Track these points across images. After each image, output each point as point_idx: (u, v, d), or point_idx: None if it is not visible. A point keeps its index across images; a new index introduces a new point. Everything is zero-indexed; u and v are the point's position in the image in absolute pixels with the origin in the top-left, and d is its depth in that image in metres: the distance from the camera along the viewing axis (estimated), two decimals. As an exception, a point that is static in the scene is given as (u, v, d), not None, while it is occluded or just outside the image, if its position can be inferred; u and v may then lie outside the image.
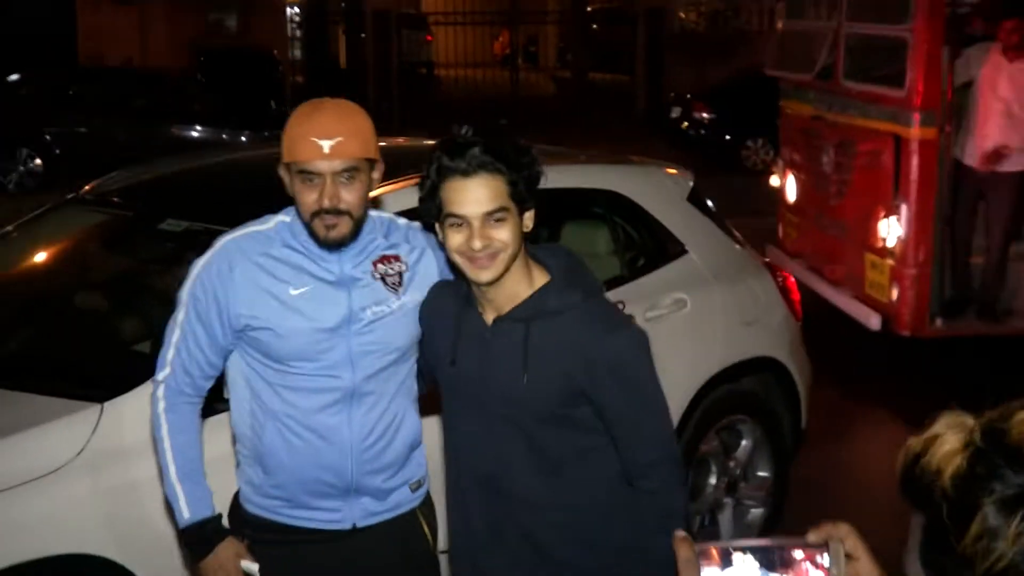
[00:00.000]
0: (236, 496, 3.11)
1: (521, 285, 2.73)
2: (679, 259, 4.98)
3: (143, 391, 3.36)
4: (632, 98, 24.32)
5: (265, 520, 3.04)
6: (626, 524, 2.78)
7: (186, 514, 2.95)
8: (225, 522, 3.04)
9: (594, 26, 29.58)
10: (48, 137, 15.08)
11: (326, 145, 2.76)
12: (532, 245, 2.80)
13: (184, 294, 2.96)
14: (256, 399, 2.98)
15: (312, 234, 2.86)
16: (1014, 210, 7.70)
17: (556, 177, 4.57)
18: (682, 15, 27.18)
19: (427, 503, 3.17)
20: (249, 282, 2.89)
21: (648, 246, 5.00)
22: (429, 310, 2.97)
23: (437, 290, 2.96)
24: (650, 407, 2.76)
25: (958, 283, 7.74)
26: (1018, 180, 7.64)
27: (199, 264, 2.96)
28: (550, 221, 4.88)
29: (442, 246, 2.74)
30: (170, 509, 3.02)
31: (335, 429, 2.95)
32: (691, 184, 5.25)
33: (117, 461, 3.49)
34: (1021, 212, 7.80)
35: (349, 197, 2.81)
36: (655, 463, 2.74)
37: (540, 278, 2.75)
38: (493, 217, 2.63)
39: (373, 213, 3.00)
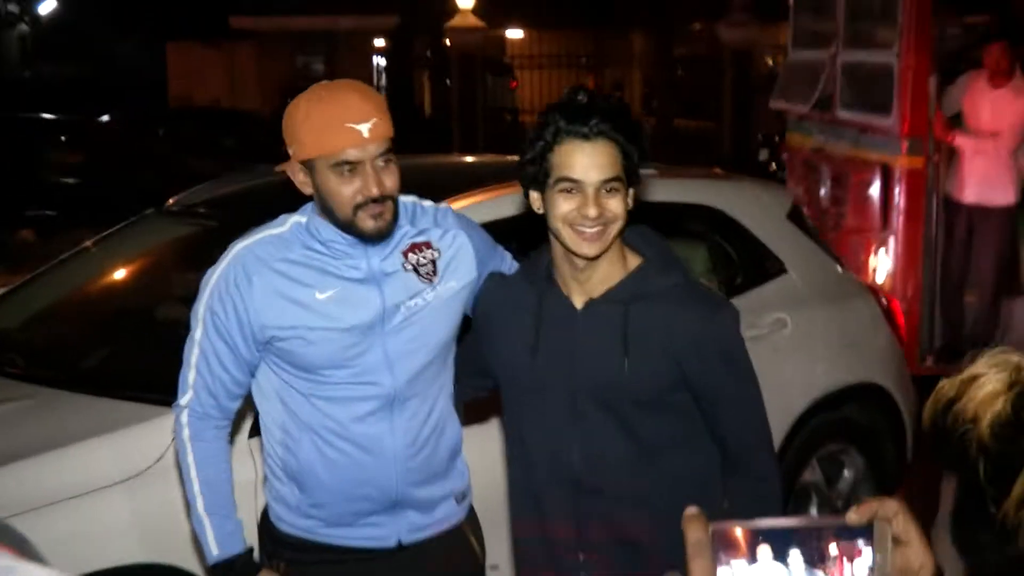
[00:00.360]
0: (265, 513, 2.89)
1: (616, 266, 2.60)
2: (778, 278, 4.80)
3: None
4: (718, 142, 24.11)
5: (302, 540, 2.80)
6: (721, 514, 2.58)
7: (215, 551, 2.73)
8: (256, 555, 2.82)
9: (679, 71, 29.43)
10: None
11: (364, 129, 2.54)
12: None
13: (200, 309, 2.71)
14: (289, 413, 2.75)
15: (353, 230, 2.62)
16: (1002, 245, 7.31)
17: (652, 191, 4.47)
18: (768, 60, 26.99)
19: (472, 517, 2.96)
20: (270, 291, 2.65)
21: (746, 264, 4.83)
22: (489, 305, 2.78)
23: (496, 283, 2.79)
24: (753, 390, 2.66)
25: (952, 321, 7.34)
26: (1006, 215, 7.28)
27: (213, 275, 2.71)
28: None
29: (527, 217, 2.60)
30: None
31: (377, 439, 2.72)
32: (791, 201, 5.09)
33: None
34: (1010, 247, 7.42)
35: (390, 182, 2.60)
36: (754, 448, 2.65)
37: (633, 259, 2.63)
38: (608, 186, 2.50)
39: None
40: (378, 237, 2.64)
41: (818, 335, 4.83)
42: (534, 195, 2.57)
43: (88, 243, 4.69)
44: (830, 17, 7.87)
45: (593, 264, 2.56)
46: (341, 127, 2.53)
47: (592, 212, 2.47)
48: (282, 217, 2.74)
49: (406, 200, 2.77)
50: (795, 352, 4.68)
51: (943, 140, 7.13)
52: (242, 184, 4.91)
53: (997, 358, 1.19)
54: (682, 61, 30.50)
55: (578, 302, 2.62)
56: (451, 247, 2.78)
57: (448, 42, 22.45)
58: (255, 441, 3.20)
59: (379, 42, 27.25)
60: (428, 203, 2.83)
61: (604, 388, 2.60)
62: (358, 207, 2.58)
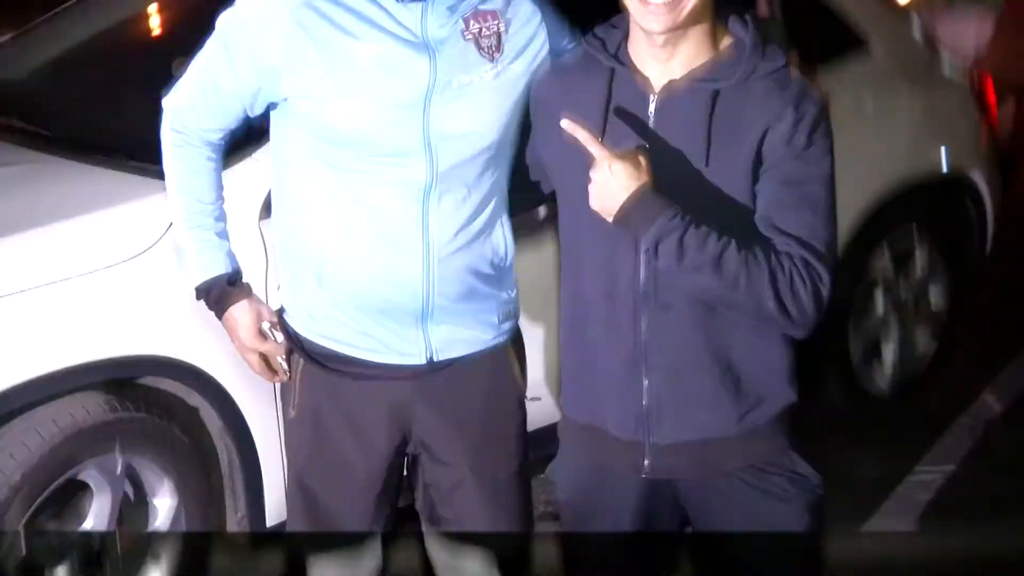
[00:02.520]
0: (281, 310, 2.63)
1: (704, 46, 2.28)
2: (857, 53, 4.44)
3: (242, 169, 2.99)
4: None
5: (319, 347, 2.53)
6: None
7: (196, 274, 2.55)
8: (247, 279, 2.61)
9: None
10: None
11: None
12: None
13: (222, 17, 2.43)
14: (308, 187, 2.45)
15: None
16: None
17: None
18: None
19: (517, 341, 2.66)
20: (301, 31, 2.32)
21: (821, 34, 4.40)
22: (548, 94, 2.44)
23: (556, 69, 2.45)
24: (829, 196, 2.28)
25: None
26: None
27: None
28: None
29: None
30: None
31: (406, 233, 2.42)
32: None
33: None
34: None
35: None
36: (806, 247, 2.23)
37: (726, 39, 2.31)
38: None
39: None
40: None
41: (901, 118, 4.55)
42: None
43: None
44: None
45: (675, 39, 2.24)
46: None
47: None
48: None
49: None
50: (874, 137, 4.34)
51: None
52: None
53: None
54: None
55: (656, 83, 2.29)
56: (522, 22, 2.46)
57: None
58: (266, 223, 2.92)
59: None
60: None
61: (680, 184, 2.25)
62: None
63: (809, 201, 2.23)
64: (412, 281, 2.44)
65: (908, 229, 4.64)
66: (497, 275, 2.55)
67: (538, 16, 2.48)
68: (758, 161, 2.24)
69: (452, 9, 2.37)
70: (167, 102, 2.52)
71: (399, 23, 2.34)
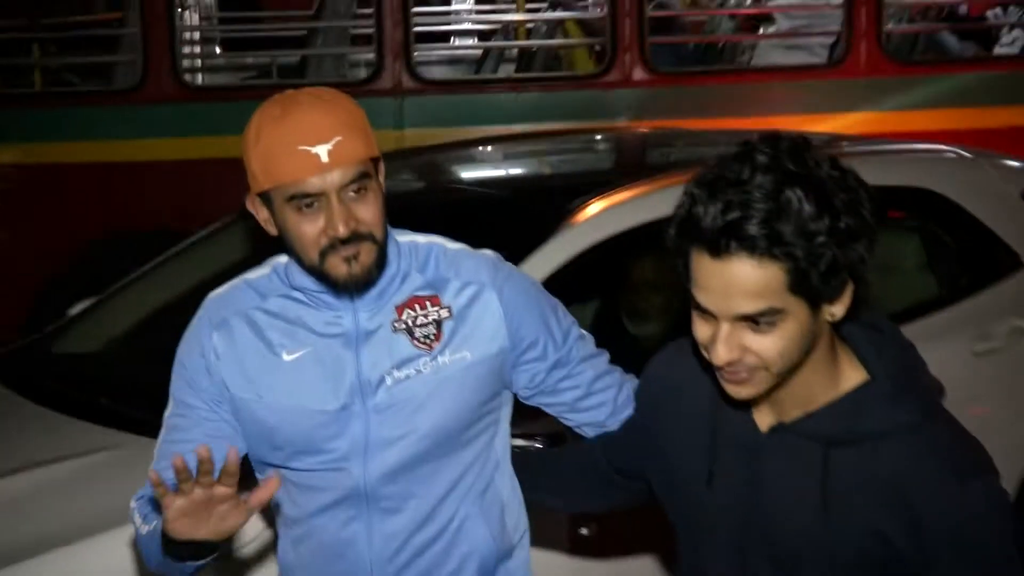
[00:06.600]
0: None
1: (820, 384, 1.93)
2: (1015, 275, 4.20)
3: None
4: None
5: None
6: None
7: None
8: None
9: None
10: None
11: (323, 151, 2.11)
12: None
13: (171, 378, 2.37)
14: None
15: (324, 278, 2.19)
16: None
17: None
18: None
19: None
20: (235, 346, 2.29)
21: (974, 258, 4.27)
22: (661, 387, 2.17)
23: (672, 356, 2.16)
24: None
25: None
26: None
27: (185, 335, 2.38)
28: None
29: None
30: None
31: (349, 543, 2.31)
32: (1030, 178, 4.54)
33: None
34: None
35: (366, 215, 2.16)
36: None
37: (852, 374, 1.95)
38: (753, 320, 1.82)
39: (404, 238, 2.32)
40: (355, 286, 2.20)
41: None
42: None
43: (173, 251, 4.31)
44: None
45: (785, 382, 1.92)
46: (294, 151, 2.12)
47: (722, 354, 1.84)
48: (268, 260, 2.37)
49: (422, 241, 2.35)
50: None
51: None
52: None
53: None
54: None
55: (763, 422, 2.00)
56: (469, 306, 2.30)
57: None
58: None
59: None
60: (455, 245, 2.37)
61: (787, 548, 1.98)
62: (325, 250, 2.16)
63: None
64: None
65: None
66: None
67: (493, 296, 2.31)
68: (884, 545, 1.94)
69: (381, 295, 2.25)
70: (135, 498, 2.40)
71: (328, 320, 2.27)
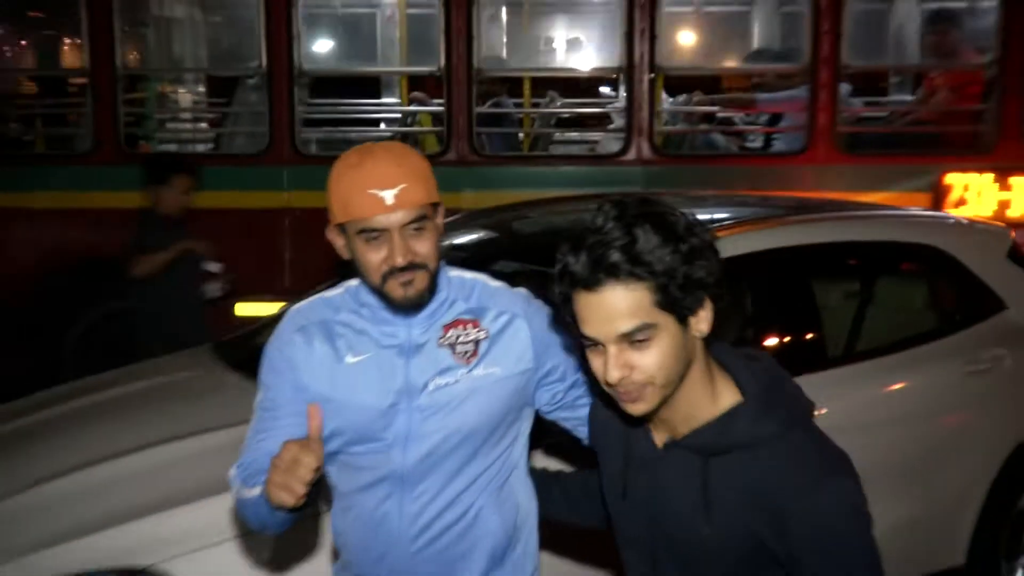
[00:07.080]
0: None
1: (701, 403, 2.13)
2: (998, 314, 4.83)
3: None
4: None
5: None
6: None
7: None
8: None
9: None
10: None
11: (388, 196, 2.37)
12: (727, 349, 2.22)
13: (260, 371, 2.64)
14: (330, 475, 2.67)
15: (385, 298, 2.48)
16: None
17: (877, 231, 4.68)
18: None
19: None
20: (314, 346, 2.56)
21: (967, 301, 4.89)
22: (599, 423, 2.43)
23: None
24: None
25: None
26: None
27: (271, 337, 2.64)
28: (868, 273, 4.87)
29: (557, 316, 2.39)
30: None
31: (384, 517, 2.56)
32: (1010, 241, 5.16)
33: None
34: None
35: (422, 249, 2.43)
36: None
37: (728, 395, 2.14)
38: (632, 338, 2.02)
39: (454, 273, 2.62)
40: (409, 306, 2.49)
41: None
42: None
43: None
44: None
45: (671, 399, 2.11)
46: (364, 193, 2.39)
47: (613, 375, 2.04)
48: (343, 282, 2.65)
49: (468, 276, 2.65)
50: (1014, 386, 4.75)
51: None
52: (490, 218, 4.98)
53: None
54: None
55: (660, 440, 2.22)
56: (503, 331, 2.58)
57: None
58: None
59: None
60: (496, 283, 2.66)
61: (682, 551, 2.18)
62: (386, 275, 2.44)
63: None
64: (397, 561, 2.57)
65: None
66: (489, 565, 2.61)
67: (523, 324, 2.58)
68: (759, 544, 2.12)
69: (433, 316, 2.53)
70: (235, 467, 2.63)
71: (387, 333, 2.54)
